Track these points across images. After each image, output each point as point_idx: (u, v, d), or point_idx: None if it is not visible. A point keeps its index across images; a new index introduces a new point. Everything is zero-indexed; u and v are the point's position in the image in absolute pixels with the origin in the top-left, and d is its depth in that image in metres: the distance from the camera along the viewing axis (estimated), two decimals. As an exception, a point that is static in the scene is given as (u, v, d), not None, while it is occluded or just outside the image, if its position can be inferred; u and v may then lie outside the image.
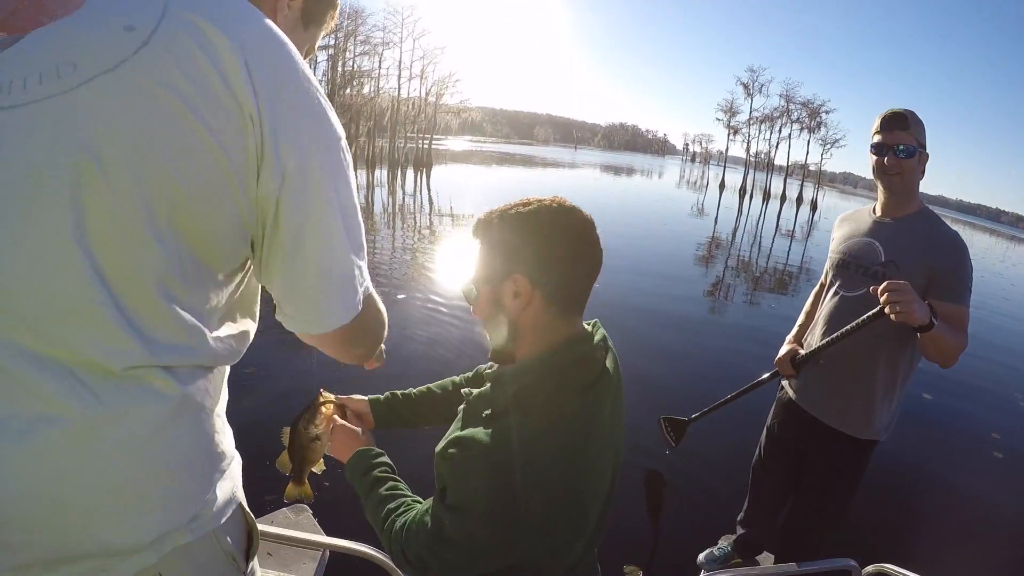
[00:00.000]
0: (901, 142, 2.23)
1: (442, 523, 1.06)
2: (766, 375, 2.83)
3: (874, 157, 2.31)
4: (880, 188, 2.37)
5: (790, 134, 59.30)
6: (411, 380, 1.73)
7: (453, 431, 1.16)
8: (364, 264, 0.98)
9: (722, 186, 55.72)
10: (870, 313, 2.15)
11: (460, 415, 1.22)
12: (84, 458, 0.76)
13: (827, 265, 2.55)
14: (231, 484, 0.99)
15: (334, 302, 0.94)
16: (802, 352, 2.53)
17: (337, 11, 1.17)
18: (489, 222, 1.12)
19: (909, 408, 5.39)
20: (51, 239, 0.72)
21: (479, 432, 1.04)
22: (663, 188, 49.15)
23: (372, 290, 1.04)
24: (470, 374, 1.58)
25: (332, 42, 37.85)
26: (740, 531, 3.11)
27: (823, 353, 2.41)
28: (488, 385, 1.16)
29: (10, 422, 0.73)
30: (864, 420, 2.35)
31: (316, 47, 1.18)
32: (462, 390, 1.24)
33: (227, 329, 0.96)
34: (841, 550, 2.27)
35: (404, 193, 24.98)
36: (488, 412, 1.09)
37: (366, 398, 1.59)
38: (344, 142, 0.91)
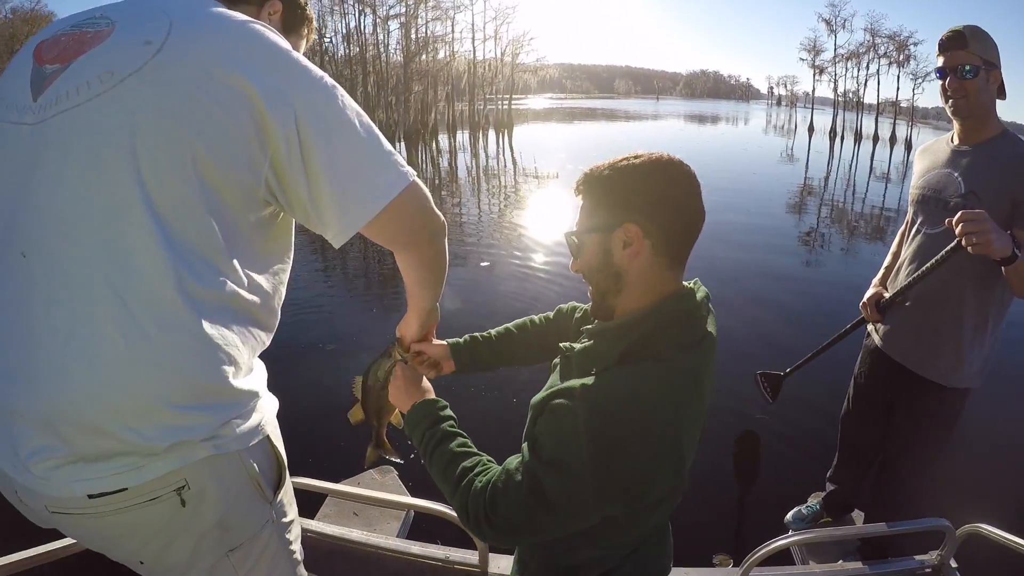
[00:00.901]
0: (962, 62, 2.08)
1: (538, 479, 1.02)
2: (851, 323, 2.81)
3: (940, 83, 2.18)
4: (951, 114, 2.21)
5: (878, 70, 54.87)
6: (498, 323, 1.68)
7: (554, 383, 1.16)
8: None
9: (811, 129, 52.18)
10: (948, 248, 2.04)
11: (557, 370, 1.24)
12: (123, 374, 0.98)
13: (909, 201, 2.42)
14: (259, 417, 1.17)
15: (386, 170, 1.10)
16: (887, 295, 2.42)
17: (313, 25, 1.44)
18: (597, 175, 1.13)
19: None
20: (119, 190, 0.96)
21: (588, 382, 1.03)
22: (750, 135, 47.38)
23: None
24: (550, 314, 1.58)
25: (403, 10, 38.21)
26: (829, 488, 3.03)
27: (906, 294, 2.30)
28: (591, 341, 1.16)
29: (71, 342, 0.97)
30: (953, 366, 2.23)
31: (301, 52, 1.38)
32: (560, 344, 1.24)
33: (254, 277, 1.15)
34: (934, 508, 2.15)
35: (487, 156, 25.02)
36: (594, 367, 1.10)
37: (445, 343, 1.56)
38: (329, 78, 1.10)
